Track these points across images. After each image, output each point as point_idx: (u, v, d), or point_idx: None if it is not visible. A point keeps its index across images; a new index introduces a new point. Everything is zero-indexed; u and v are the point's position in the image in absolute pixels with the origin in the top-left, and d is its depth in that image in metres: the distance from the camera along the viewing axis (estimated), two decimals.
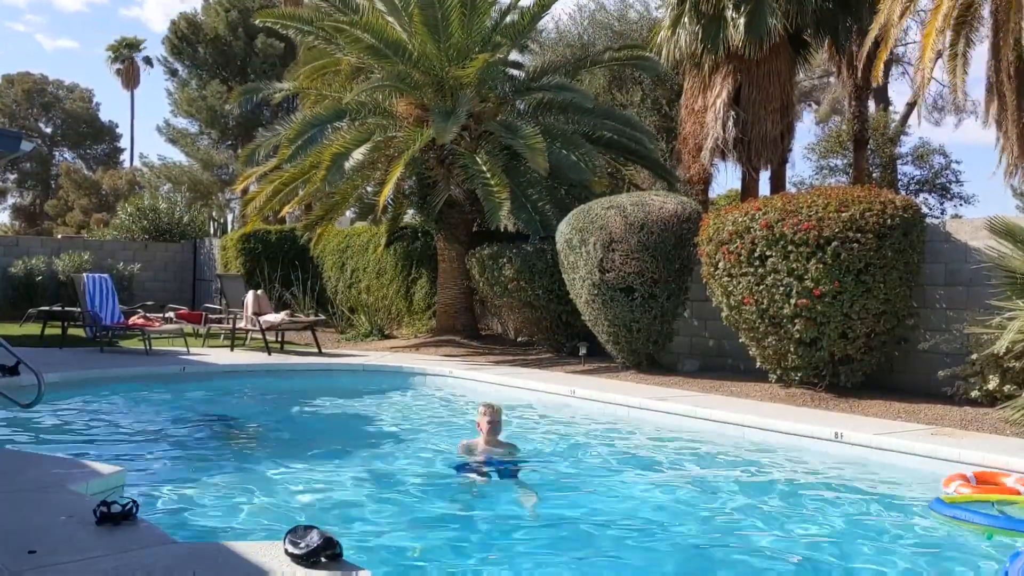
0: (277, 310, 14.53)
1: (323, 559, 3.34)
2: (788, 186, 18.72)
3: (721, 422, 7.53)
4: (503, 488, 5.80)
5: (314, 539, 3.36)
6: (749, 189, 16.96)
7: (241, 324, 13.33)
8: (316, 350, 12.86)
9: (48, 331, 13.67)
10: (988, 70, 13.46)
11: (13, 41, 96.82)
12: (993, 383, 7.75)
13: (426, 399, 9.90)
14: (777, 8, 15.22)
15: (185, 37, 37.83)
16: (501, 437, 6.32)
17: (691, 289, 10.61)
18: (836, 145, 26.95)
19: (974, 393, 7.95)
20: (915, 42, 20.86)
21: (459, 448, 6.39)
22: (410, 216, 16.66)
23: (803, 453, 6.75)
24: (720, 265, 8.93)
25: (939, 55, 13.61)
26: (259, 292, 13.78)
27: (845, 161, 26.18)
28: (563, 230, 11.11)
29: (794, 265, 8.22)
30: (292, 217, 25.35)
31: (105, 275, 13.66)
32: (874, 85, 18.99)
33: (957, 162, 26.79)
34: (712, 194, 20.44)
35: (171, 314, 15.25)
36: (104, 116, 63.51)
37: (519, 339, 14.22)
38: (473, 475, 5.96)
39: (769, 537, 4.91)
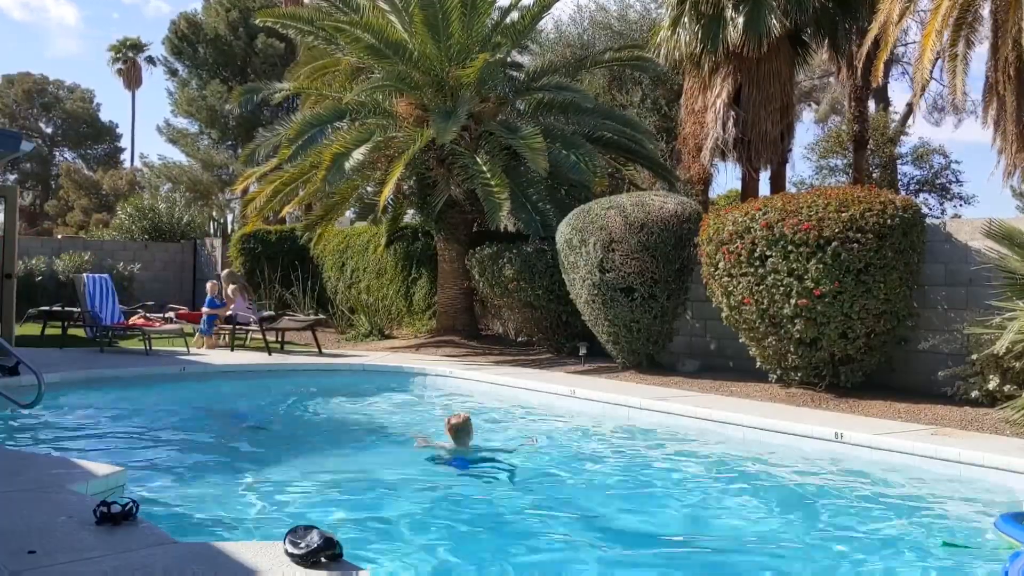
0: (277, 310, 14.56)
1: (323, 559, 3.34)
2: (788, 186, 18.72)
3: (721, 422, 7.53)
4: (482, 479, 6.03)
5: (314, 539, 3.37)
6: (749, 189, 16.96)
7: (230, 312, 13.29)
8: (316, 350, 12.86)
9: (48, 331, 13.67)
10: (987, 70, 13.45)
11: None
12: (993, 383, 7.75)
13: (427, 399, 9.91)
14: (776, 7, 15.22)
15: (185, 37, 37.77)
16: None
17: (691, 289, 10.60)
18: (836, 145, 26.94)
19: (974, 393, 7.95)
20: (915, 42, 20.84)
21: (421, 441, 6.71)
22: (410, 216, 16.67)
23: (803, 453, 6.75)
24: (720, 265, 8.92)
25: (939, 56, 13.62)
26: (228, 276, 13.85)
27: (845, 161, 26.16)
28: (563, 230, 11.11)
29: (794, 265, 8.22)
30: (292, 217, 25.36)
31: (105, 275, 13.66)
32: (874, 85, 18.99)
33: (957, 162, 26.82)
34: (712, 194, 20.45)
35: (171, 314, 15.25)
36: (105, 116, 63.62)
37: (519, 339, 14.22)
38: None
39: (766, 536, 4.91)
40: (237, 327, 13.34)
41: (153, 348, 12.11)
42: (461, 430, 6.46)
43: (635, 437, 7.74)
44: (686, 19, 16.29)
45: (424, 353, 12.88)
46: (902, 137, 26.19)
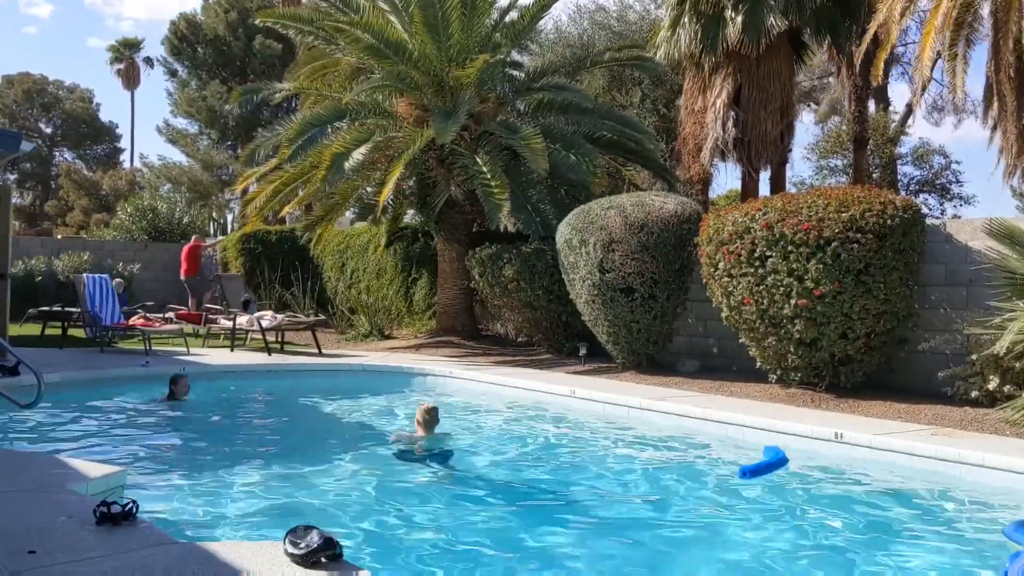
0: (277, 310, 14.53)
1: (323, 559, 3.34)
2: (788, 186, 18.71)
3: (721, 423, 7.52)
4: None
5: (314, 539, 3.37)
6: (749, 189, 16.96)
7: (241, 321, 13.30)
8: (316, 350, 12.85)
9: (48, 331, 13.67)
10: (987, 70, 13.47)
11: None
12: (993, 383, 7.76)
13: (427, 399, 9.89)
14: (775, 6, 15.20)
15: (185, 37, 37.81)
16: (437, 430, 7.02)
17: (691, 289, 10.60)
18: (836, 145, 26.98)
19: (974, 393, 7.95)
20: (915, 42, 20.87)
21: (393, 437, 7.20)
22: (410, 216, 16.67)
23: (804, 453, 6.75)
24: (720, 265, 8.92)
25: (939, 55, 13.63)
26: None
27: (845, 161, 26.20)
28: (563, 230, 11.11)
29: (794, 265, 8.22)
30: (292, 217, 25.38)
31: (105, 276, 13.66)
32: (873, 84, 19.00)
33: (957, 162, 26.88)
34: (712, 194, 20.45)
35: (171, 314, 15.24)
36: (104, 116, 63.67)
37: (519, 339, 14.22)
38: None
39: (765, 537, 4.91)
40: (237, 328, 13.34)
41: (153, 348, 12.11)
42: (429, 418, 6.84)
43: (633, 436, 7.73)
44: (686, 19, 16.29)
45: (424, 353, 12.88)
46: (902, 137, 26.22)
